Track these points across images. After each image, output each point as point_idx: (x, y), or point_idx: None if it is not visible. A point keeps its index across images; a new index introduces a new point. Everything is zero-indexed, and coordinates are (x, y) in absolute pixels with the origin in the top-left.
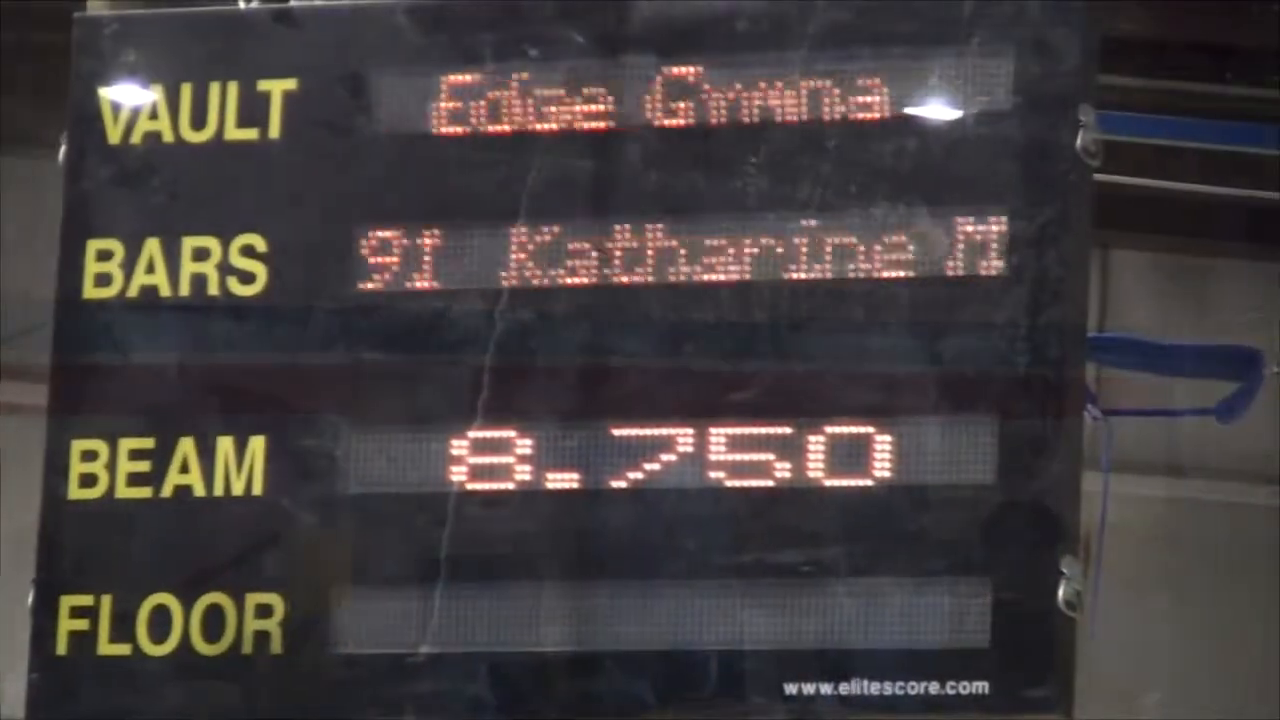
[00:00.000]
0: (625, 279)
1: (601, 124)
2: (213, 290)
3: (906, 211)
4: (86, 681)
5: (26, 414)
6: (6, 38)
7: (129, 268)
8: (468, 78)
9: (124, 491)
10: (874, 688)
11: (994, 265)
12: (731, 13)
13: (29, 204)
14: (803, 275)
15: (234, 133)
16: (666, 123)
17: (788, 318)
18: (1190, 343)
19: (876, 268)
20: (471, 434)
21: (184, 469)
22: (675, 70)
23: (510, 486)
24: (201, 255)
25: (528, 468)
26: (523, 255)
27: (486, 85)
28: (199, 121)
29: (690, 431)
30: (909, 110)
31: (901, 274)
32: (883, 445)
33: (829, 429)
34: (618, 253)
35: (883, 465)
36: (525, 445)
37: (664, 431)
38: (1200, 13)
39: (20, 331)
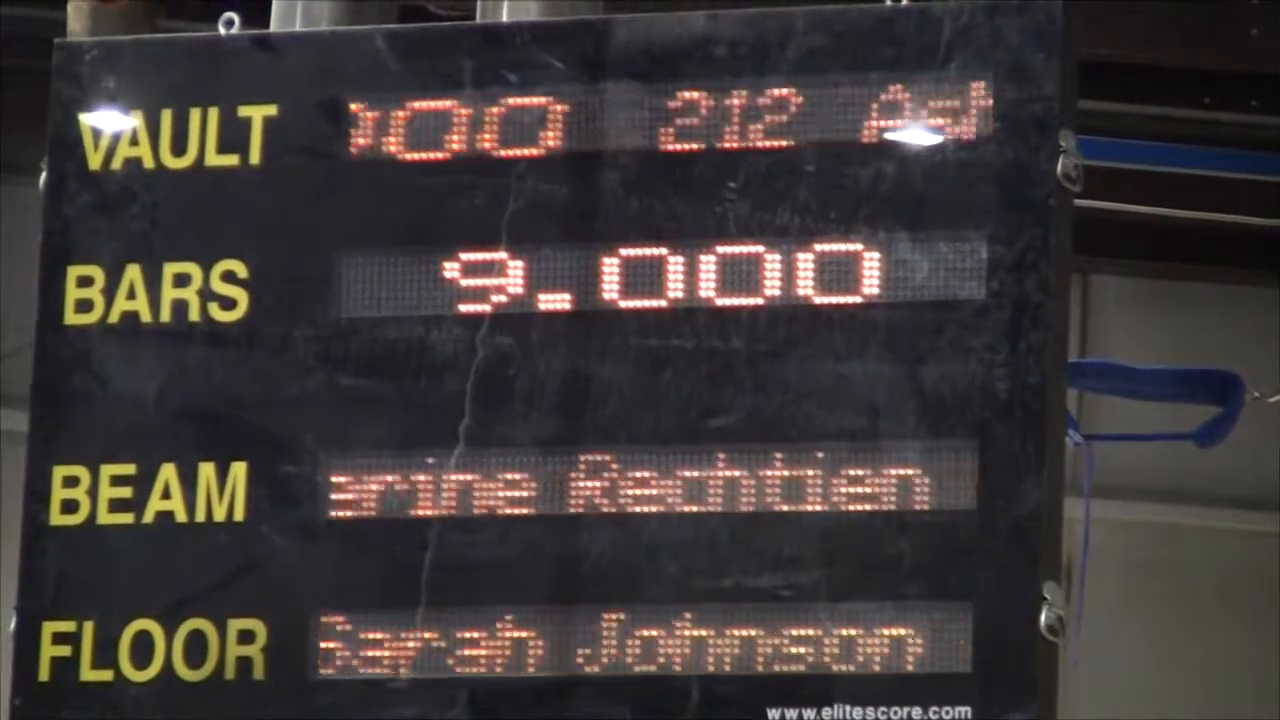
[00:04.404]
0: (605, 304)
1: (580, 149)
2: (194, 316)
3: (886, 236)
4: (69, 708)
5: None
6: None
7: (110, 294)
8: (448, 103)
9: (106, 518)
10: (856, 712)
11: (974, 290)
12: (710, 37)
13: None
14: (783, 300)
15: (215, 158)
16: (645, 147)
17: (768, 342)
18: (1170, 367)
19: (856, 292)
20: (454, 460)
21: (166, 495)
22: (654, 95)
23: (491, 513)
24: (182, 281)
25: (509, 494)
26: (503, 281)
27: (466, 110)
28: (179, 147)
29: (671, 456)
30: (888, 135)
31: (882, 299)
32: (864, 470)
33: (809, 454)
34: (597, 278)
35: (864, 490)
36: (506, 471)
37: (645, 456)
38: (1178, 38)
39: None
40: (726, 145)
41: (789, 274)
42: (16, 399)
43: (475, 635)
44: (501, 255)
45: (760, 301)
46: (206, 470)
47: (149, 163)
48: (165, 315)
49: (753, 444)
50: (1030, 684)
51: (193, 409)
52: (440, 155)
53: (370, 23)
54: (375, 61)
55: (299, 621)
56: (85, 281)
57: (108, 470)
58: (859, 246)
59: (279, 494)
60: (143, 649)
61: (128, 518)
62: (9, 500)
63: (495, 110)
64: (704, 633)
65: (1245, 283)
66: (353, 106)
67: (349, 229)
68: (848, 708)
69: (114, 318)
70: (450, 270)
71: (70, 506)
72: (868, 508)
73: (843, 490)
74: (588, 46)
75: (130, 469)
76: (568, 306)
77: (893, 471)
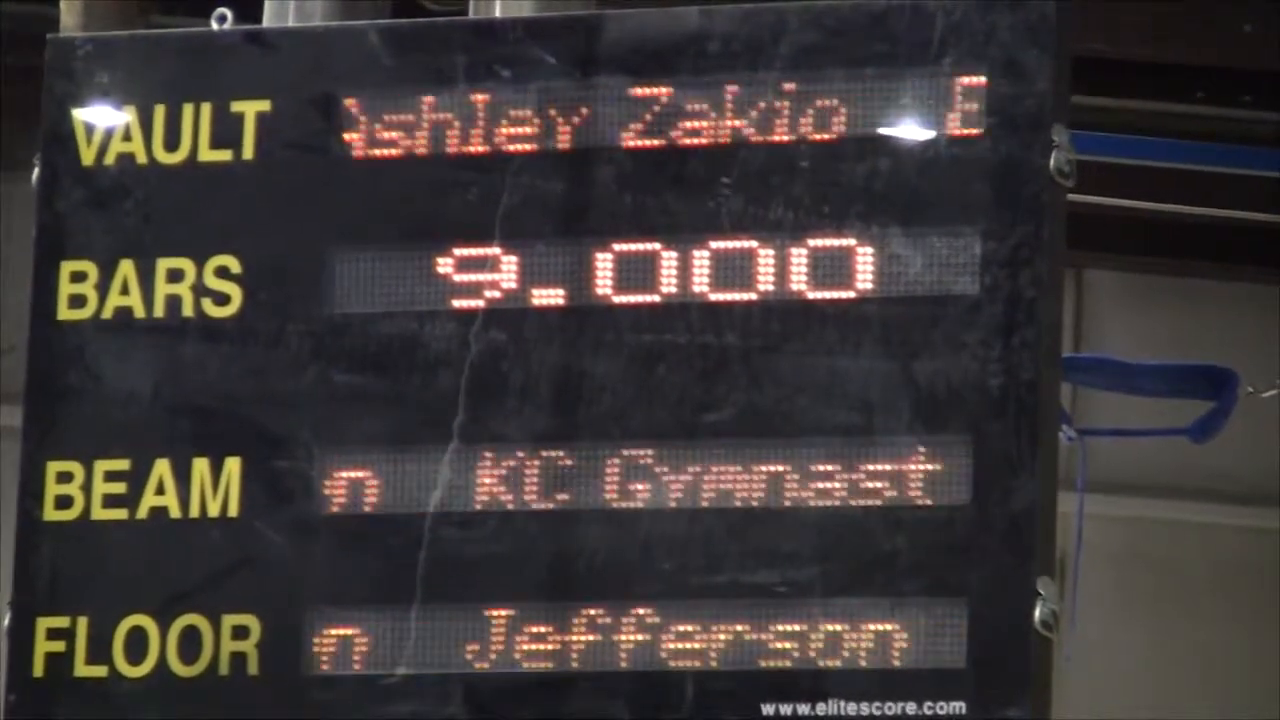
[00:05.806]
0: (598, 299)
1: (574, 144)
2: (187, 311)
3: (880, 231)
4: (63, 703)
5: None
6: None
7: (103, 289)
8: (440, 98)
9: (100, 513)
10: (851, 708)
11: (968, 285)
12: (704, 33)
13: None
14: (776, 295)
15: (207, 154)
16: (638, 143)
17: (761, 337)
18: (1164, 363)
19: (850, 287)
20: (447, 456)
21: (160, 490)
22: (647, 90)
23: (485, 508)
24: (176, 276)
25: (502, 489)
26: (497, 276)
27: (459, 106)
28: (172, 143)
29: (665, 452)
30: (881, 131)
31: (875, 294)
32: (858, 465)
33: (803, 449)
34: (590, 273)
35: (858, 486)
36: (501, 467)
37: (639, 452)
38: (1172, 34)
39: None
40: (720, 141)
41: (782, 269)
42: (14, 394)
43: (470, 631)
44: (495, 250)
45: (754, 296)
46: (200, 466)
47: (142, 158)
48: (159, 310)
49: (747, 439)
50: (1024, 679)
51: (186, 404)
52: (433, 150)
53: (363, 18)
54: (368, 57)
55: (293, 617)
56: (79, 277)
57: (101, 465)
58: (852, 241)
59: (273, 489)
60: (137, 645)
61: (122, 513)
62: (7, 495)
63: (488, 105)
64: (699, 629)
65: (1239, 278)
66: (346, 101)
67: (342, 224)
68: (842, 703)
69: (107, 313)
70: (444, 265)
71: (64, 502)
72: (862, 503)
73: (837, 486)
74: (581, 42)
75: (124, 464)
76: (561, 302)
77: (887, 467)
